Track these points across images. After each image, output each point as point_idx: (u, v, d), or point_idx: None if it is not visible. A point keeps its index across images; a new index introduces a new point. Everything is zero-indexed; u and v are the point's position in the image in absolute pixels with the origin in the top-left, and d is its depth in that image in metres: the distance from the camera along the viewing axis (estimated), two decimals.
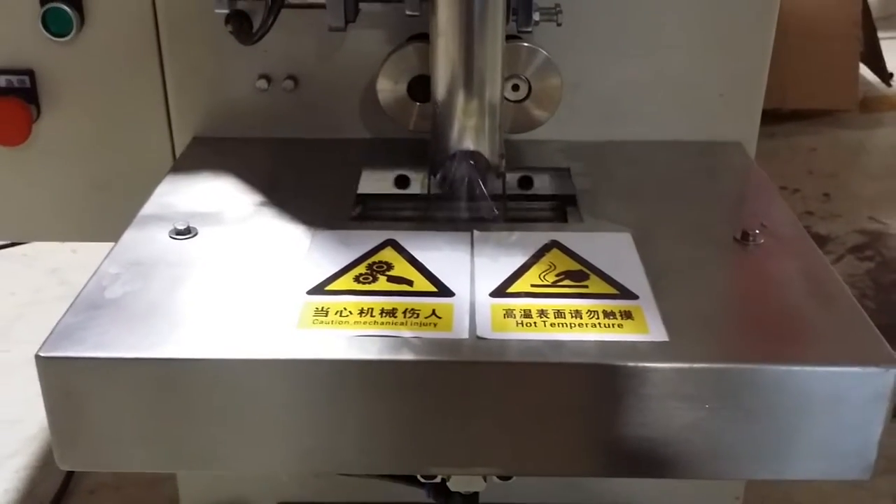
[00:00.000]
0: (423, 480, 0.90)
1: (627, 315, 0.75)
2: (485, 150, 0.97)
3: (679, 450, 0.73)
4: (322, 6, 0.98)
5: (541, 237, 0.87)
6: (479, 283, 0.80)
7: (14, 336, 2.13)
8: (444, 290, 0.79)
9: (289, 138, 1.13)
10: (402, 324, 0.74)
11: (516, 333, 0.74)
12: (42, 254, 2.44)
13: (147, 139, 1.15)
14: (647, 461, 0.73)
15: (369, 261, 0.83)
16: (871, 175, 3.04)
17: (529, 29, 0.99)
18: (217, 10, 0.99)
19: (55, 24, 1.09)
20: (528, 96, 1.05)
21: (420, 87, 1.03)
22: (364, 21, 1.03)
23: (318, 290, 0.79)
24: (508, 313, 0.76)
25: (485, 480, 0.88)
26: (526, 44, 1.02)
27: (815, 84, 3.24)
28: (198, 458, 0.76)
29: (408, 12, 0.97)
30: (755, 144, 1.14)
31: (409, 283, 0.80)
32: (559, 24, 1.01)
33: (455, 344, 0.73)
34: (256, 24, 1.01)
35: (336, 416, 0.73)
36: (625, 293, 0.79)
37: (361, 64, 1.09)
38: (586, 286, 0.80)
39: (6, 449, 1.79)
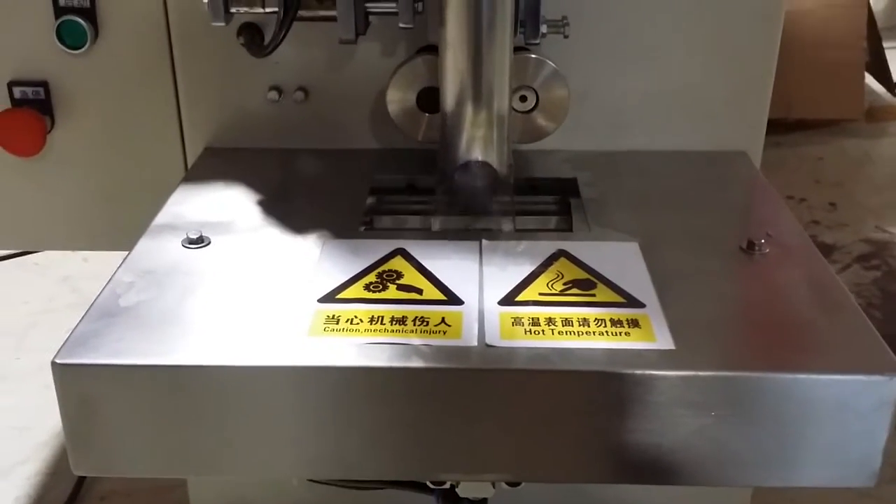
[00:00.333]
0: (432, 486, 0.91)
1: (634, 323, 0.76)
2: (493, 161, 0.98)
3: (685, 457, 0.74)
4: (333, 19, 0.99)
5: (548, 246, 0.88)
6: (487, 292, 0.81)
7: (26, 344, 2.15)
8: (453, 299, 0.80)
9: (299, 149, 1.14)
10: (411, 331, 0.75)
11: (525, 341, 0.75)
12: (54, 262, 2.46)
13: (159, 150, 1.17)
14: (654, 468, 0.74)
15: (379, 269, 0.84)
16: (877, 184, 3.05)
17: (537, 41, 1.00)
18: (213, 24, 0.99)
19: (70, 37, 1.11)
20: (535, 107, 1.06)
21: (429, 98, 1.04)
22: (374, 34, 1.05)
23: (329, 298, 0.80)
24: (517, 321, 0.77)
25: (493, 487, 0.89)
26: (534, 55, 1.04)
27: (821, 94, 3.25)
28: (211, 464, 0.77)
29: (401, 25, 0.98)
30: (761, 154, 1.15)
31: (419, 291, 0.81)
32: (566, 36, 1.02)
33: (464, 351, 0.74)
34: (268, 36, 1.02)
35: (346, 423, 0.74)
36: (632, 302, 0.80)
37: (371, 76, 1.10)
38: (594, 295, 0.81)
39: (17, 456, 1.80)
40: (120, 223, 1.18)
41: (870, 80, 3.53)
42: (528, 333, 0.75)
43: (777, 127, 2.84)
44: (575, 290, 0.81)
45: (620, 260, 0.86)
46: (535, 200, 1.07)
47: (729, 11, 1.09)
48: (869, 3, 3.44)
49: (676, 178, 1.08)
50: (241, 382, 0.72)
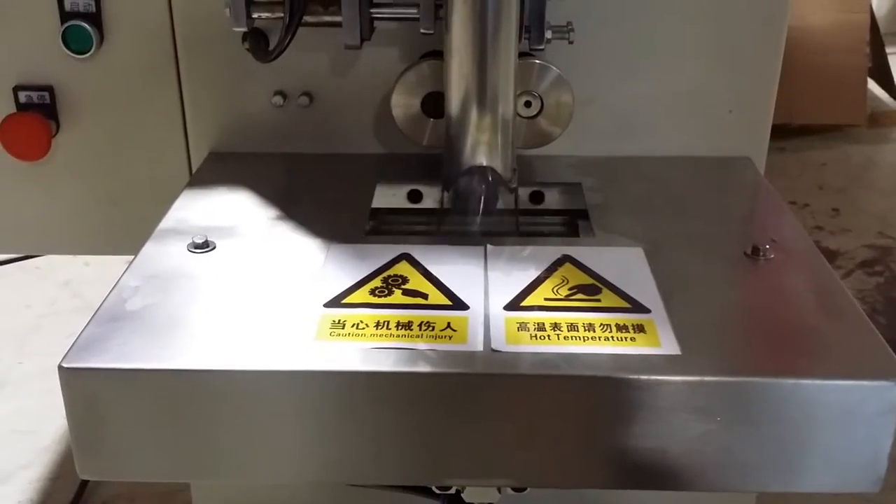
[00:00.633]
0: (437, 491, 0.91)
1: (640, 328, 0.76)
2: (497, 166, 0.98)
3: (690, 462, 0.74)
4: (338, 25, 1.00)
5: (553, 251, 0.89)
6: (492, 297, 0.81)
7: (28, 348, 2.15)
8: (458, 304, 0.80)
9: (304, 153, 1.14)
10: (417, 336, 0.75)
11: (530, 346, 0.75)
12: (55, 267, 2.47)
13: (164, 154, 1.17)
14: (659, 473, 0.74)
15: (384, 274, 0.85)
16: (880, 190, 3.05)
17: (542, 46, 1.00)
18: (235, 28, 1.01)
19: (75, 42, 1.11)
20: (540, 112, 1.06)
21: (433, 103, 1.05)
22: (379, 39, 1.05)
23: (335, 302, 0.80)
24: (522, 326, 0.77)
25: (499, 492, 0.89)
26: (538, 61, 1.04)
27: (824, 99, 3.25)
28: (217, 468, 0.77)
29: (422, 30, 0.99)
30: (764, 159, 1.15)
31: (424, 296, 0.81)
32: (571, 42, 1.03)
33: (470, 356, 0.74)
34: (273, 41, 1.02)
35: (352, 427, 0.74)
36: (637, 307, 0.80)
37: (376, 81, 1.11)
38: (599, 300, 0.81)
39: (20, 460, 1.80)
40: (124, 228, 1.18)
41: (872, 85, 3.54)
42: (534, 338, 0.75)
43: (780, 132, 2.84)
44: (580, 296, 0.81)
45: (625, 265, 0.87)
46: (543, 221, 1.08)
47: (733, 17, 1.09)
48: (872, 9, 3.44)
49: (681, 184, 1.08)
50: (247, 387, 0.73)
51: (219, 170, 1.10)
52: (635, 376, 0.71)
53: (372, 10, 1.00)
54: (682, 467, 0.74)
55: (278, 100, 1.13)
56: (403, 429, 0.74)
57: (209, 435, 0.74)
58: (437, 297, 0.81)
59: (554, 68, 1.04)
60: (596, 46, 1.09)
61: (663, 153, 1.13)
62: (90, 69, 1.13)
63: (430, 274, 0.85)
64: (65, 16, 1.10)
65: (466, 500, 0.91)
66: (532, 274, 0.85)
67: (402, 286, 0.83)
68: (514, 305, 0.80)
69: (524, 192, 1.07)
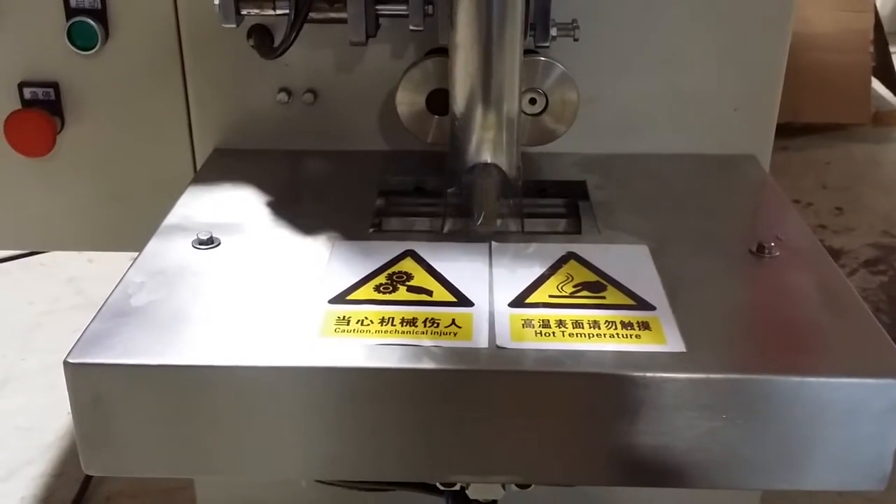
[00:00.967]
0: (442, 488, 0.91)
1: (645, 326, 0.76)
2: (502, 163, 0.98)
3: (695, 459, 0.74)
4: (343, 21, 1.00)
5: (558, 249, 0.89)
6: (497, 294, 0.81)
7: (31, 345, 2.16)
8: (463, 300, 0.80)
9: (308, 150, 1.14)
10: (422, 333, 0.75)
11: (535, 343, 0.75)
12: (59, 263, 2.47)
13: (169, 151, 1.17)
14: (664, 470, 0.74)
15: (389, 271, 0.85)
16: (884, 189, 3.04)
17: (547, 44, 1.00)
18: (225, 25, 1.00)
19: (80, 38, 1.11)
20: (545, 110, 1.06)
21: (438, 100, 1.05)
22: (384, 36, 1.05)
23: (340, 299, 0.80)
24: (527, 323, 0.77)
25: (503, 488, 0.89)
26: (543, 58, 1.04)
27: (828, 98, 3.25)
28: (221, 464, 0.77)
29: (411, 27, 0.99)
30: (769, 158, 1.15)
31: (429, 293, 0.81)
32: (576, 40, 1.03)
33: (474, 353, 0.74)
34: (278, 38, 1.02)
35: (357, 424, 0.74)
36: (642, 304, 0.80)
37: (381, 78, 1.11)
38: (604, 297, 0.81)
39: (23, 456, 1.81)
40: (129, 224, 1.18)
41: (876, 84, 3.54)
42: (539, 335, 0.75)
43: (784, 131, 2.84)
44: (585, 293, 0.81)
45: (630, 262, 0.86)
46: (545, 203, 1.08)
47: (738, 15, 1.09)
48: (876, 8, 3.44)
49: (686, 181, 1.08)
50: (252, 383, 0.73)
51: (223, 166, 1.10)
52: (640, 373, 0.71)
53: (377, 7, 1.00)
54: (687, 465, 0.74)
55: (283, 96, 1.13)
56: (408, 425, 0.74)
57: (213, 431, 0.74)
58: (441, 293, 0.81)
59: (559, 65, 1.04)
60: (601, 44, 1.09)
61: (668, 151, 1.13)
62: (95, 66, 1.13)
63: (435, 271, 0.85)
64: (70, 12, 1.11)
65: (471, 497, 0.91)
66: (537, 271, 0.85)
67: (407, 283, 0.83)
68: (518, 302, 0.80)
69: (528, 190, 1.07)
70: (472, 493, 0.90)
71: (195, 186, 1.04)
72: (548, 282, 0.83)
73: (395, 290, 0.81)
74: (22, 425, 1.88)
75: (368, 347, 0.74)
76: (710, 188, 1.07)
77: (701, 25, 1.09)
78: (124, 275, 0.84)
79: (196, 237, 0.90)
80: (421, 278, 0.83)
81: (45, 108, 1.14)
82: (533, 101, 1.06)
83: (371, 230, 0.96)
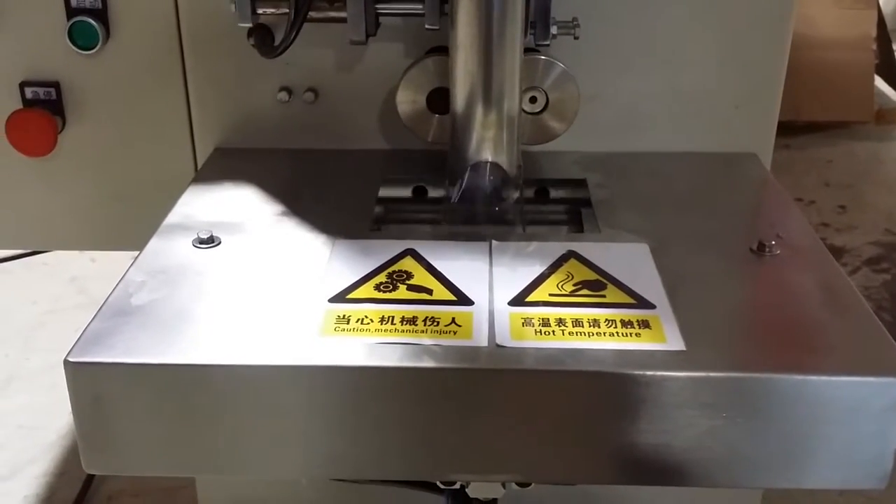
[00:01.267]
0: (442, 487, 0.91)
1: (645, 324, 0.76)
2: (503, 162, 0.98)
3: (696, 458, 0.74)
4: (343, 20, 1.00)
5: (558, 247, 0.89)
6: (497, 292, 0.81)
7: (34, 344, 2.16)
8: (463, 299, 0.80)
9: (309, 149, 1.14)
10: (422, 331, 0.75)
11: (535, 342, 0.75)
12: (61, 263, 2.47)
13: (169, 150, 1.17)
14: (665, 469, 0.74)
15: (389, 270, 0.85)
16: (887, 187, 3.04)
17: (547, 42, 1.00)
18: (240, 24, 1.01)
19: (81, 38, 1.11)
20: (545, 108, 1.06)
21: (439, 99, 1.05)
22: (384, 35, 1.05)
23: (340, 298, 0.80)
24: (527, 322, 0.77)
25: (504, 487, 0.89)
26: (544, 57, 1.04)
27: (831, 96, 3.24)
28: (222, 463, 0.77)
29: (427, 26, 0.99)
30: (771, 156, 1.15)
31: (429, 291, 0.81)
32: (576, 38, 1.02)
33: (474, 351, 0.74)
34: (278, 37, 1.02)
35: (357, 423, 0.74)
36: (642, 303, 0.80)
37: (381, 76, 1.11)
38: (604, 296, 0.81)
39: (25, 455, 1.81)
40: (130, 223, 1.18)
41: (879, 82, 3.53)
42: (539, 334, 0.75)
43: (786, 129, 2.84)
44: (585, 291, 0.81)
45: (630, 261, 0.86)
46: (547, 210, 1.07)
47: (739, 13, 1.09)
48: (878, 6, 3.43)
49: (686, 180, 1.08)
50: (253, 382, 0.73)
51: (224, 165, 1.11)
52: (640, 372, 0.71)
53: (377, 6, 1.00)
54: (688, 463, 0.74)
55: (283, 96, 1.13)
56: (408, 424, 0.74)
57: (214, 430, 0.74)
58: (441, 292, 0.81)
59: (559, 64, 1.04)
60: (601, 42, 1.09)
61: (669, 149, 1.13)
62: (96, 65, 1.13)
63: (435, 269, 0.85)
64: (71, 12, 1.11)
65: (471, 496, 0.91)
66: (537, 269, 0.85)
67: (407, 281, 0.83)
68: (518, 301, 0.80)
69: (529, 189, 1.07)
70: (472, 491, 0.90)
71: (196, 185, 1.04)
72: (548, 280, 0.83)
73: (395, 288, 0.81)
74: (25, 424, 1.89)
75: (368, 346, 0.74)
76: (710, 186, 1.07)
77: (702, 23, 1.09)
78: (125, 274, 0.84)
79: (197, 236, 0.90)
80: (421, 277, 0.83)
81: (46, 108, 1.14)
82: (533, 100, 1.06)
83: (373, 220, 0.96)
